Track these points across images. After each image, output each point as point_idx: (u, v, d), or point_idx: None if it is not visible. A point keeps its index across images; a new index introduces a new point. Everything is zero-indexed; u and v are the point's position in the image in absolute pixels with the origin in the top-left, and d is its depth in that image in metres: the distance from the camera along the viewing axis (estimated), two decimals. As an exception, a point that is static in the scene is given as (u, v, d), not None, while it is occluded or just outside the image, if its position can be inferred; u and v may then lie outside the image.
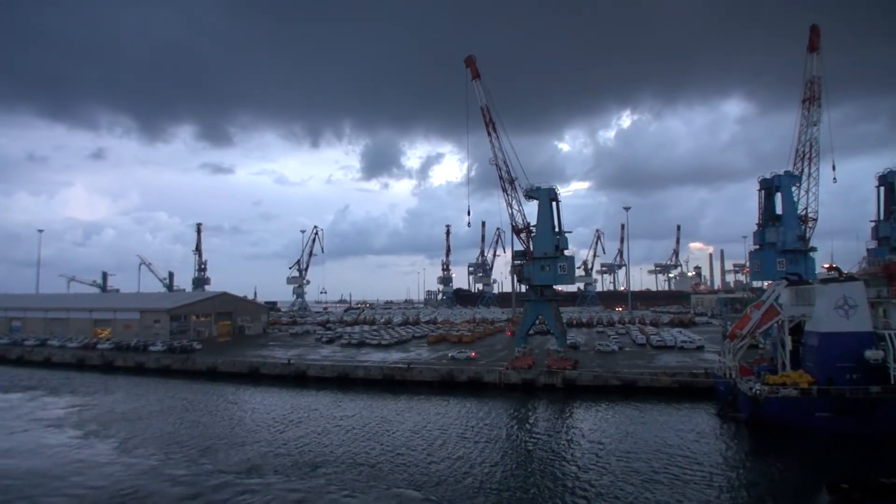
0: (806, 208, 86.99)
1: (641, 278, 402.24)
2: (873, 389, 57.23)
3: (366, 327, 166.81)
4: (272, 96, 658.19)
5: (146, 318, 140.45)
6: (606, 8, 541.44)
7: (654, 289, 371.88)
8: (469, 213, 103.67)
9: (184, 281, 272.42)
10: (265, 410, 70.45)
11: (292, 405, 73.45)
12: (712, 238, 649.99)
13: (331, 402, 74.74)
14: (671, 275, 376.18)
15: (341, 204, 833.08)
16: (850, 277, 65.67)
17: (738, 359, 66.92)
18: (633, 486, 42.13)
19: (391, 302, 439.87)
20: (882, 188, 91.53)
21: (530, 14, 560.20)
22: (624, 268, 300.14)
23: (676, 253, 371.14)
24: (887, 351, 58.24)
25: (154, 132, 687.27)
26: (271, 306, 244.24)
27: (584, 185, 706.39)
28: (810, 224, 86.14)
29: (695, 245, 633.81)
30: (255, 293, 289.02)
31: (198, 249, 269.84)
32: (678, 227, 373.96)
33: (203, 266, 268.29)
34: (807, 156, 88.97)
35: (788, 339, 65.53)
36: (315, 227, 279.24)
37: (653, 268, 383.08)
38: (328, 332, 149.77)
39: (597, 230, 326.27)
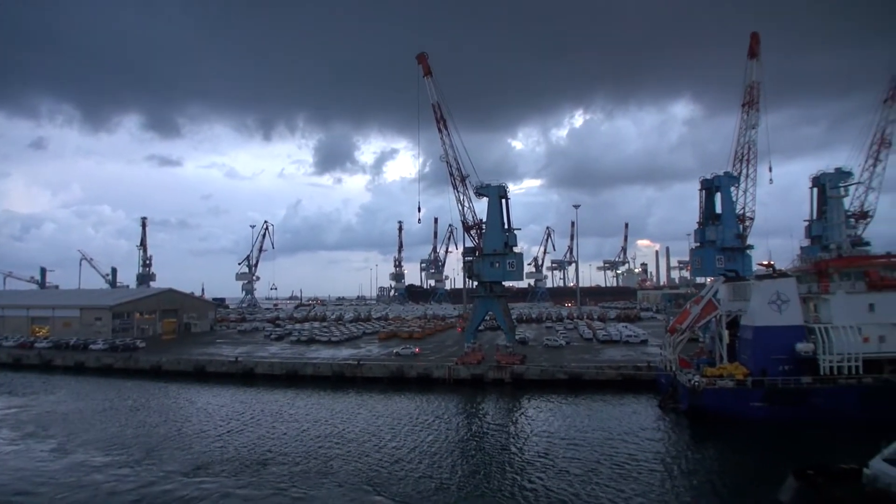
0: (744, 208, 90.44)
1: (591, 274, 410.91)
2: (804, 380, 60.37)
3: (316, 324, 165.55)
4: (224, 87, 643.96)
5: (87, 315, 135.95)
6: (561, 8, 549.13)
7: (603, 285, 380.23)
8: (420, 210, 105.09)
9: (128, 277, 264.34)
10: (212, 409, 69.38)
11: (240, 403, 72.50)
12: (659, 236, 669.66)
13: (279, 400, 74.08)
14: (619, 271, 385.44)
15: (293, 199, 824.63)
16: (783, 274, 68.88)
17: (678, 352, 69.36)
18: (578, 476, 43.40)
19: (343, 298, 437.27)
20: (815, 190, 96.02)
21: (486, 13, 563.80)
22: (573, 264, 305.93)
23: (624, 250, 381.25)
24: (817, 343, 61.33)
25: (98, 121, 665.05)
26: (219, 303, 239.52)
27: (537, 182, 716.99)
28: (748, 223, 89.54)
29: (642, 242, 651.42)
30: (203, 290, 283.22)
31: (143, 244, 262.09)
32: (626, 225, 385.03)
33: (148, 262, 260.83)
34: (745, 157, 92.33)
35: (726, 333, 68.27)
36: (265, 222, 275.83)
37: (602, 264, 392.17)
38: (277, 329, 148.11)
39: (547, 227, 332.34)
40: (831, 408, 57.63)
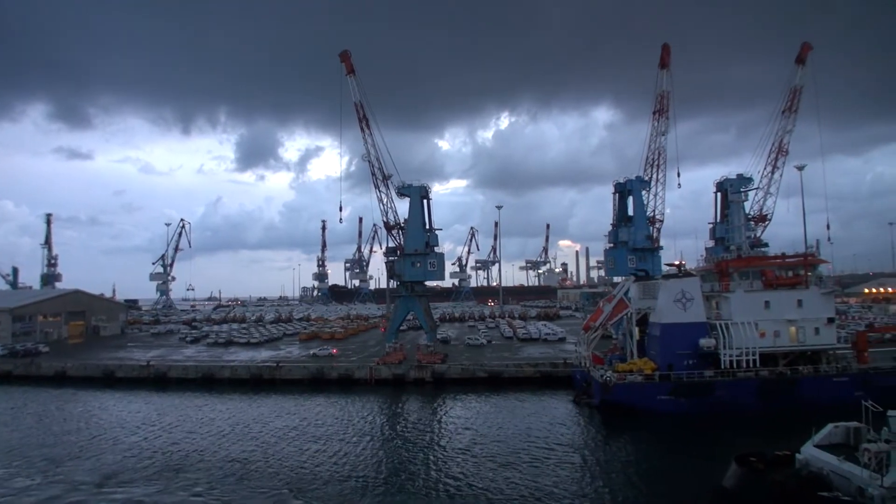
0: (654, 210, 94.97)
1: (514, 274, 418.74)
2: (707, 374, 64.10)
3: (235, 325, 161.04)
4: (140, 76, 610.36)
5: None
6: (488, 12, 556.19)
7: (525, 284, 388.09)
8: (341, 210, 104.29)
9: (31, 278, 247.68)
10: (123, 416, 66.41)
11: (153, 409, 69.72)
12: (580, 236, 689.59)
13: (195, 404, 71.77)
14: (541, 271, 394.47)
15: (213, 196, 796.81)
16: (688, 274, 72.83)
17: (591, 349, 71.90)
18: (498, 469, 44.61)
19: (265, 299, 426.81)
20: (719, 194, 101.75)
21: (415, 14, 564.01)
22: (497, 264, 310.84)
23: (546, 250, 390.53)
24: (718, 339, 65.20)
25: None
26: (131, 305, 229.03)
27: (463, 183, 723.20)
28: (658, 225, 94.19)
29: (564, 243, 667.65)
30: (114, 290, 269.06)
31: (47, 243, 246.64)
32: (548, 226, 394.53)
33: (53, 261, 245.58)
34: (656, 163, 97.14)
35: (636, 330, 71.44)
36: (182, 219, 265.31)
37: (524, 264, 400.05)
38: (194, 331, 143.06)
39: (471, 227, 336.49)
40: (731, 399, 61.56)
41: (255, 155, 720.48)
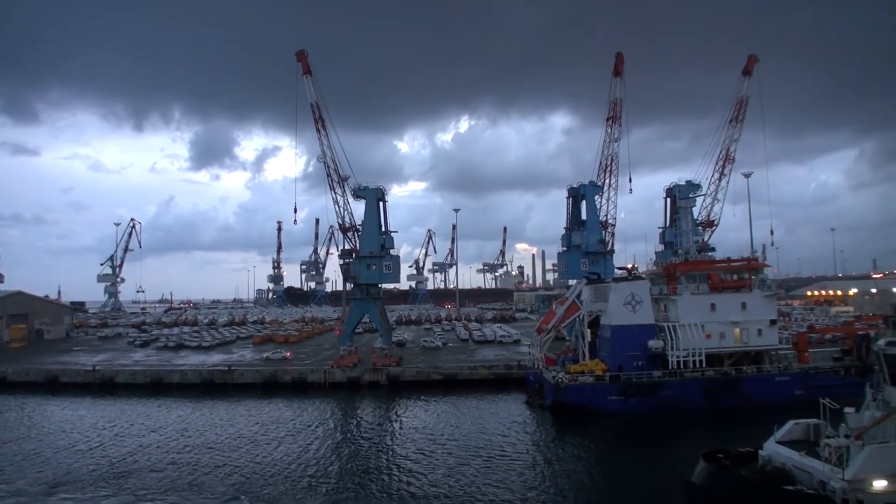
0: (607, 215, 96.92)
1: (471, 277, 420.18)
2: (655, 374, 65.79)
3: (186, 329, 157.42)
4: (91, 69, 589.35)
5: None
6: (450, 14, 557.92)
7: (483, 286, 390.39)
8: (296, 211, 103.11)
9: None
10: (67, 422, 64.28)
11: (99, 415, 67.69)
12: (536, 239, 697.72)
13: (143, 410, 69.95)
14: (497, 273, 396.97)
15: (166, 195, 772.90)
16: (637, 277, 74.66)
17: (544, 350, 72.97)
18: (450, 470, 45.08)
19: (218, 301, 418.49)
20: (668, 200, 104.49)
21: (377, 14, 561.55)
22: (454, 266, 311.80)
23: (503, 253, 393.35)
24: (666, 340, 67.02)
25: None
26: (78, 307, 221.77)
27: (422, 185, 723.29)
28: (610, 229, 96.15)
29: (521, 246, 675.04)
30: (60, 292, 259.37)
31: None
32: (504, 229, 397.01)
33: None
34: (608, 168, 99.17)
35: (587, 332, 72.79)
36: (132, 219, 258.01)
37: (481, 267, 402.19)
38: (143, 334, 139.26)
39: (429, 230, 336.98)
40: (679, 398, 63.45)
41: (210, 154, 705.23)
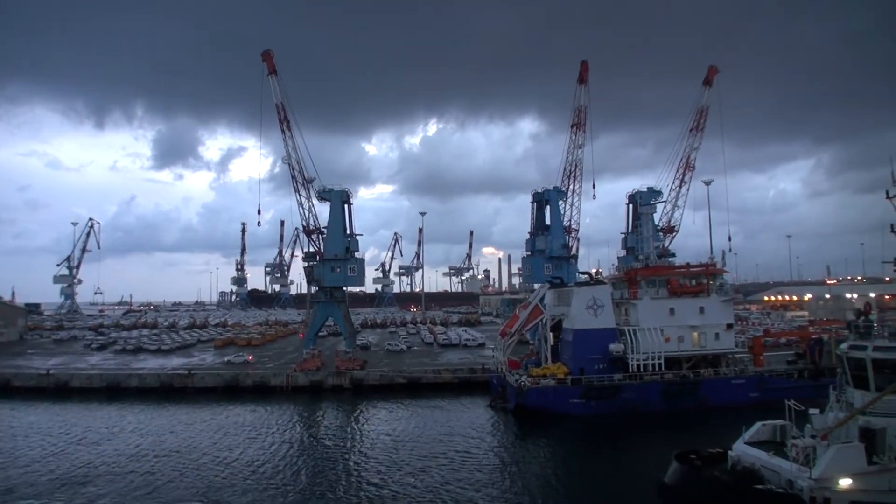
0: (570, 220, 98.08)
1: (437, 280, 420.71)
2: (616, 377, 66.74)
3: (145, 332, 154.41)
4: (50, 64, 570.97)
5: None
6: (419, 18, 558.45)
7: (449, 290, 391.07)
8: (260, 213, 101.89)
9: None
10: (20, 427, 62.44)
11: (54, 420, 65.97)
12: (503, 243, 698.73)
13: (100, 415, 68.30)
14: (464, 277, 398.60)
15: (127, 194, 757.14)
16: (599, 282, 75.81)
17: (507, 354, 73.50)
18: (413, 472, 45.23)
19: (179, 304, 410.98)
20: (630, 206, 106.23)
21: (346, 16, 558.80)
22: (420, 270, 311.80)
23: (469, 257, 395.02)
24: (627, 344, 68.16)
25: None
26: (32, 309, 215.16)
27: (389, 188, 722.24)
28: (573, 234, 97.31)
29: (487, 250, 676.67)
30: (14, 294, 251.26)
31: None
32: (471, 233, 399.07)
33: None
34: (573, 174, 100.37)
35: (550, 336, 73.64)
36: (90, 219, 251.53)
37: (448, 270, 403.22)
38: (100, 337, 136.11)
39: (395, 233, 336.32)
40: (638, 401, 64.54)
41: (173, 153, 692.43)
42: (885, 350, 31.34)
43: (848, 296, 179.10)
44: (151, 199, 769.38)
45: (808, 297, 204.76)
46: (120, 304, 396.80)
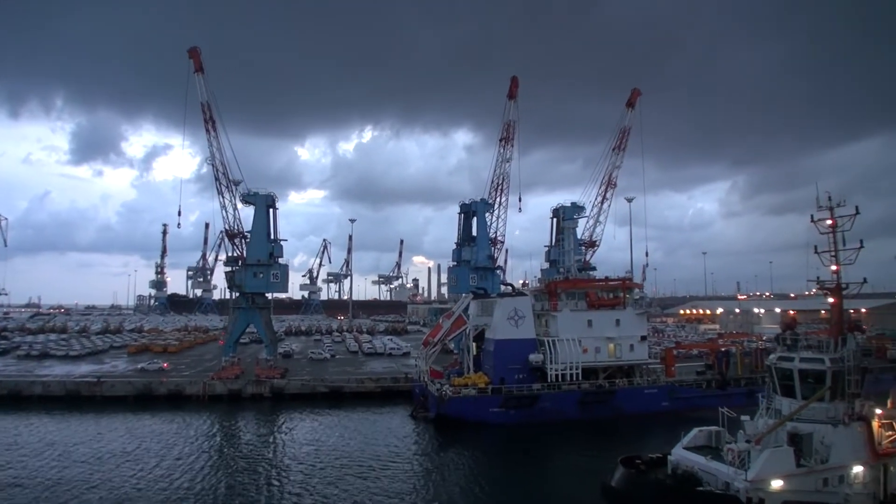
0: (497, 232, 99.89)
1: (366, 288, 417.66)
2: (535, 387, 68.40)
3: (53, 336, 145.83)
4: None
5: None
6: (357, 24, 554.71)
7: (378, 298, 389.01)
8: (180, 214, 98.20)
9: None
10: None
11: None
12: (434, 253, 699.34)
13: (-2, 425, 64.42)
14: (393, 286, 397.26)
15: (40, 189, 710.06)
16: (520, 293, 77.54)
17: (429, 363, 74.00)
18: (335, 484, 44.88)
19: (93, 307, 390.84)
20: (554, 220, 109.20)
21: (283, 16, 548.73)
22: (349, 277, 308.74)
23: (399, 265, 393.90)
24: (546, 354, 70.01)
25: None
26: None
27: (321, 193, 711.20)
28: (499, 246, 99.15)
29: (418, 259, 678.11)
30: None
31: None
32: (401, 242, 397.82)
33: None
34: (500, 187, 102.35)
35: (473, 346, 74.77)
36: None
37: (377, 278, 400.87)
38: (2, 341, 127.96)
39: (324, 239, 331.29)
40: (556, 410, 66.29)
41: (93, 147, 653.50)
42: (810, 361, 33.85)
43: (756, 311, 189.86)
44: (67, 195, 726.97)
45: (719, 311, 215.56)
46: (28, 306, 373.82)
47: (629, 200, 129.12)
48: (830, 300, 36.40)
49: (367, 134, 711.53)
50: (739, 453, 31.44)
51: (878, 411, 33.72)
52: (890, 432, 33.36)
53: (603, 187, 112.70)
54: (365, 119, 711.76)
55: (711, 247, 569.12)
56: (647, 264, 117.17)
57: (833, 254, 36.11)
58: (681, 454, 34.75)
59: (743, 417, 34.90)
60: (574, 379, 69.99)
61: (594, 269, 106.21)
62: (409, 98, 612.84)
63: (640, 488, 33.78)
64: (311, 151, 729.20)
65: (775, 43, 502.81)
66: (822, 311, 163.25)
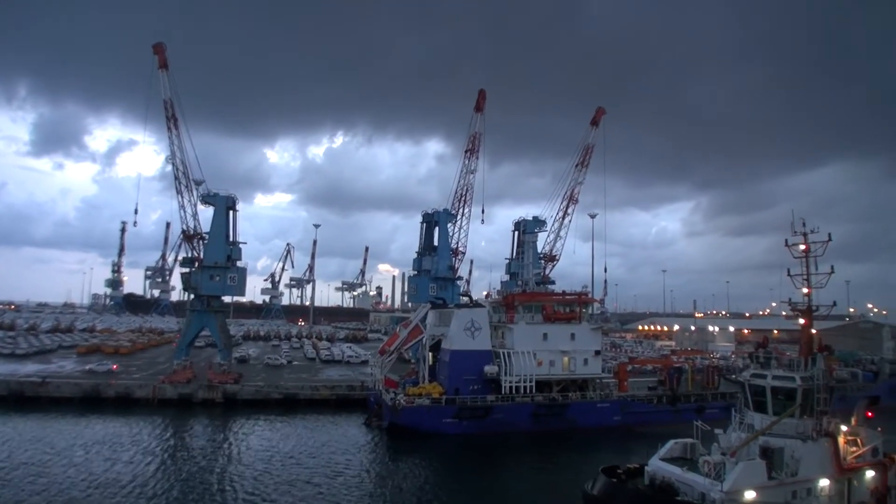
0: (458, 243, 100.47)
1: (329, 294, 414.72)
2: (490, 398, 68.73)
3: (0, 333, 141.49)
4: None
5: None
6: (331, 30, 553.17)
7: (342, 305, 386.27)
8: (137, 212, 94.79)
9: None
10: None
11: None
12: (400, 261, 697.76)
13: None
14: (356, 293, 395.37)
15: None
16: (477, 304, 78.02)
17: (385, 372, 73.77)
18: (286, 492, 44.51)
19: (45, 305, 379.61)
20: (516, 232, 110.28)
21: (256, 16, 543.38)
22: (312, 283, 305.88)
23: (363, 272, 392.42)
24: (501, 366, 70.46)
25: None
26: None
27: (288, 197, 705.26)
28: (460, 256, 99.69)
29: (384, 266, 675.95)
30: None
31: None
32: (366, 249, 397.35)
33: None
34: (463, 198, 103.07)
35: (429, 355, 74.90)
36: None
37: (340, 285, 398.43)
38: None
39: (288, 244, 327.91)
40: (509, 421, 66.75)
41: (55, 139, 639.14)
42: (781, 379, 35.03)
43: (710, 328, 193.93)
44: (25, 187, 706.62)
45: (675, 328, 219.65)
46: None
47: (592, 216, 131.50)
48: (801, 321, 37.62)
49: (339, 139, 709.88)
50: (715, 465, 32.31)
51: (844, 428, 35.05)
52: (854, 448, 34.74)
53: (565, 202, 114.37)
54: (338, 124, 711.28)
55: (673, 265, 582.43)
56: (606, 280, 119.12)
57: (805, 277, 37.28)
58: (658, 465, 35.47)
59: (717, 431, 36.02)
60: (528, 391, 70.46)
61: (553, 282, 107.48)
62: (384, 105, 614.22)
63: (621, 497, 34.46)
64: (280, 154, 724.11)
65: (740, 73, 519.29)
66: (775, 331, 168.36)
